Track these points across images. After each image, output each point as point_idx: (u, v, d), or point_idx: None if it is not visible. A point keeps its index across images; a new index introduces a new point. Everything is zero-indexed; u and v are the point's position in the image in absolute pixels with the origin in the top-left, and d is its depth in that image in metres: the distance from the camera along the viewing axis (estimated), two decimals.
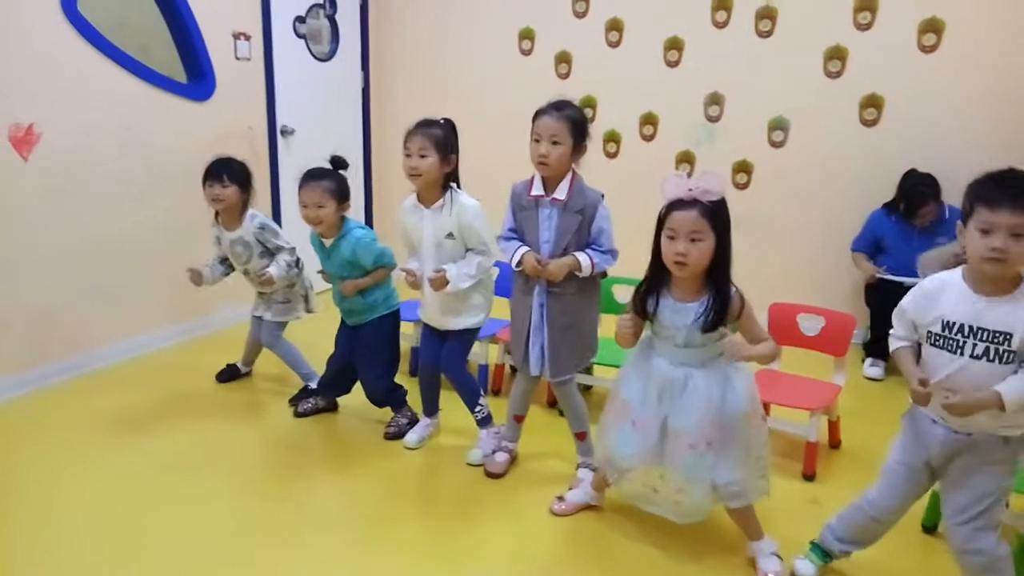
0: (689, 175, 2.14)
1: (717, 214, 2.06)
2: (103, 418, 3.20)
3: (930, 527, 2.48)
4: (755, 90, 4.46)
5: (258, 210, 3.45)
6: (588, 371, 3.27)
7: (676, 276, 2.13)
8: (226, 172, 3.31)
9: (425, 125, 2.74)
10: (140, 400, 3.41)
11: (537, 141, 2.51)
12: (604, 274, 2.69)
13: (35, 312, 3.51)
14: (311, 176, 2.98)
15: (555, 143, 2.48)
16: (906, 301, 1.96)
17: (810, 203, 4.47)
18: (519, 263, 2.60)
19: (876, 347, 3.95)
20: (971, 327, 1.80)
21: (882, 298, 3.74)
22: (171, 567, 2.21)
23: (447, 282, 2.71)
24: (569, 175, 2.55)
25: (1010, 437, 1.85)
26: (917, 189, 3.86)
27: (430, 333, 3.00)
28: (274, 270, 3.30)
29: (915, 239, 3.83)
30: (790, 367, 3.10)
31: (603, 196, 2.58)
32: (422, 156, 2.69)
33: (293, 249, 3.39)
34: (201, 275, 3.41)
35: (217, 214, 3.40)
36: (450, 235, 2.77)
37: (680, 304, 2.15)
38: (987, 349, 1.79)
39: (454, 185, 2.81)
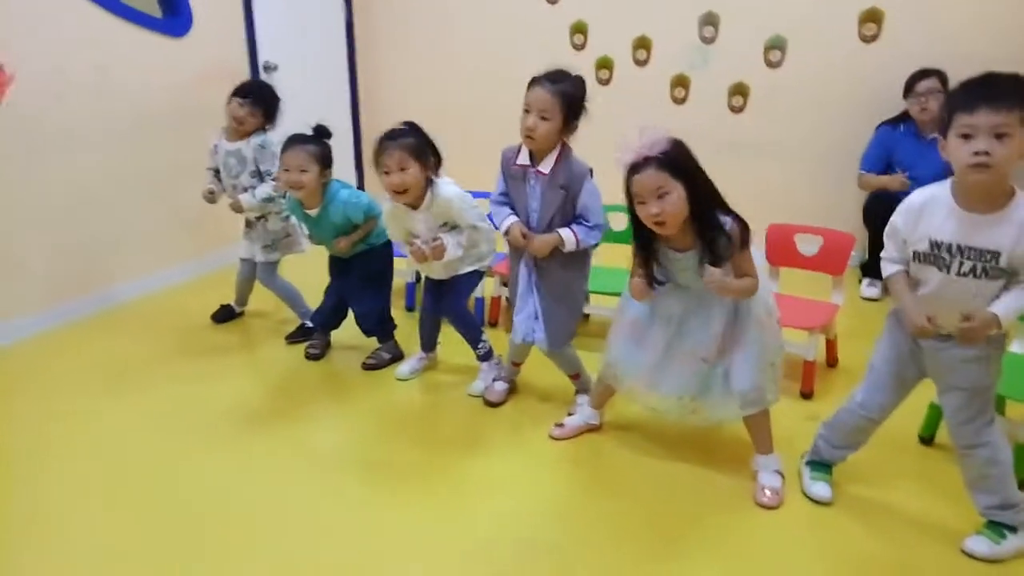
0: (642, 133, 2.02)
1: (675, 161, 2.00)
2: (105, 361, 3.20)
3: (927, 438, 2.50)
4: (750, 9, 4.33)
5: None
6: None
7: (664, 233, 2.08)
8: (253, 95, 3.29)
9: (394, 137, 2.61)
10: (140, 343, 3.40)
11: (527, 112, 2.40)
12: (595, 245, 2.61)
13: (42, 255, 3.52)
14: (295, 140, 2.92)
15: (544, 118, 2.37)
16: (896, 218, 1.92)
17: (808, 123, 4.39)
18: (506, 232, 2.55)
19: (874, 267, 3.93)
20: (959, 246, 1.77)
21: (881, 218, 3.66)
22: (171, 507, 2.21)
23: (445, 249, 2.68)
24: (557, 149, 2.44)
25: (991, 337, 1.84)
26: (917, 73, 3.77)
27: (432, 281, 2.97)
28: (246, 197, 3.28)
29: (927, 148, 3.73)
30: (788, 288, 3.08)
31: (591, 171, 2.48)
32: (402, 170, 2.59)
33: (277, 186, 3.33)
34: (213, 192, 3.39)
35: (229, 126, 3.35)
36: (444, 225, 2.74)
37: (678, 254, 2.13)
38: (974, 267, 1.77)
39: (434, 179, 2.70)
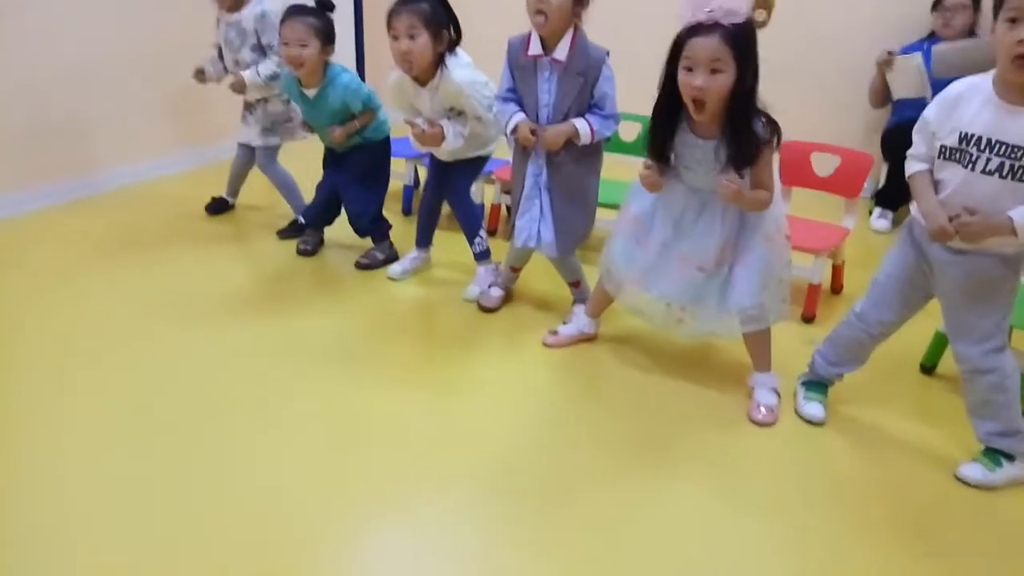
0: None
1: (741, 40, 1.83)
2: (93, 244, 3.12)
3: (929, 367, 2.44)
4: None
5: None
6: None
7: (696, 111, 1.93)
8: None
9: (407, 1, 2.44)
10: (131, 228, 3.32)
11: None
12: (607, 139, 2.48)
13: (31, 132, 3.39)
14: (295, 11, 2.75)
15: None
16: (929, 110, 1.80)
17: (832, 44, 4.20)
18: (513, 130, 2.40)
19: (887, 198, 3.81)
20: (989, 140, 1.65)
21: (900, 146, 3.55)
22: (154, 404, 2.14)
23: (443, 138, 2.57)
24: (570, 31, 2.28)
25: (1007, 255, 1.76)
26: None
27: (435, 164, 2.87)
28: (249, 74, 3.10)
29: None
30: (800, 209, 2.97)
31: (608, 54, 2.32)
32: (411, 37, 2.43)
33: (281, 62, 3.14)
34: (204, 72, 3.24)
35: None
36: (452, 109, 2.60)
37: (699, 140, 2.00)
38: (1001, 165, 1.65)
39: (447, 56, 2.55)
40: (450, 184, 2.85)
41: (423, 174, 3.31)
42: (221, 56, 3.27)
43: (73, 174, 3.61)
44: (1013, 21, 1.55)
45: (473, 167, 2.84)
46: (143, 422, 2.02)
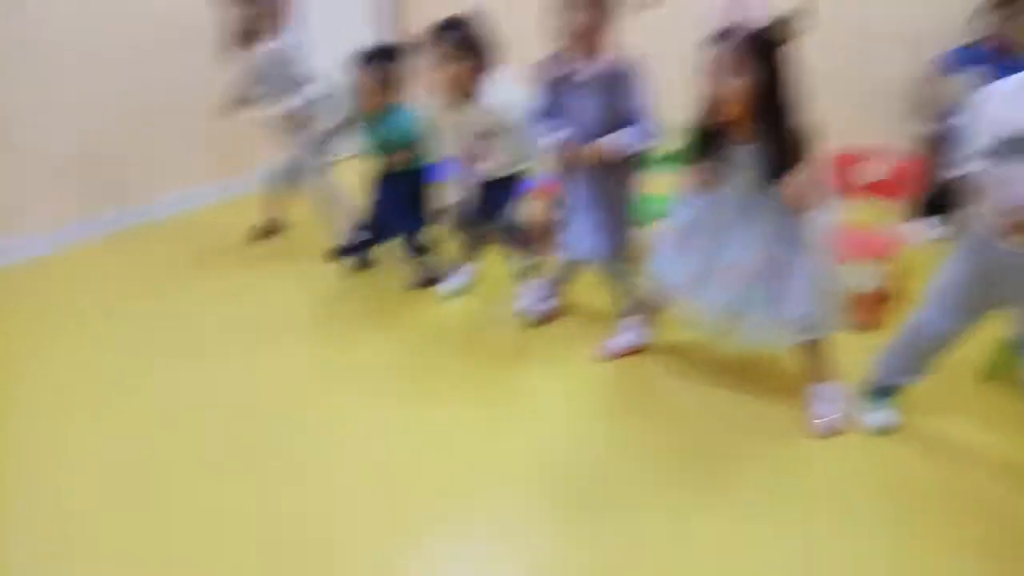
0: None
1: (764, 45, 1.84)
2: (146, 272, 3.18)
3: (995, 374, 2.36)
4: None
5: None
6: None
7: (726, 117, 1.93)
8: None
9: (446, 29, 2.52)
10: (181, 256, 3.37)
11: (562, 10, 2.26)
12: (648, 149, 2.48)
13: (78, 166, 3.47)
14: (365, 58, 2.84)
15: (578, 10, 2.22)
16: (986, 106, 1.73)
17: (878, 50, 4.13)
18: (551, 148, 2.42)
19: (936, 205, 3.70)
20: None
21: (948, 151, 3.46)
22: (213, 421, 2.18)
23: (491, 156, 2.66)
24: (602, 48, 2.29)
25: None
26: None
27: (480, 181, 2.89)
28: (294, 101, 3.16)
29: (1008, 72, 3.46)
30: (852, 217, 2.90)
31: (638, 67, 2.31)
32: (449, 64, 2.51)
33: (323, 82, 3.20)
34: (239, 101, 3.30)
35: (244, 31, 3.18)
36: (490, 128, 2.64)
37: (734, 145, 1.99)
38: None
39: (484, 79, 2.59)
40: (494, 202, 2.87)
41: (469, 192, 3.32)
42: (250, 90, 3.32)
43: (122, 204, 3.68)
44: None
45: (515, 183, 2.86)
46: (195, 443, 2.05)
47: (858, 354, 2.44)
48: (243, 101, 3.32)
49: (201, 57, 3.88)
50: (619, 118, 2.34)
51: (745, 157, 1.98)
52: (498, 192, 2.85)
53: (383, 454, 2.02)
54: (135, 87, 3.66)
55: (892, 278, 2.91)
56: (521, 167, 2.82)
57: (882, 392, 2.15)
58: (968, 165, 1.80)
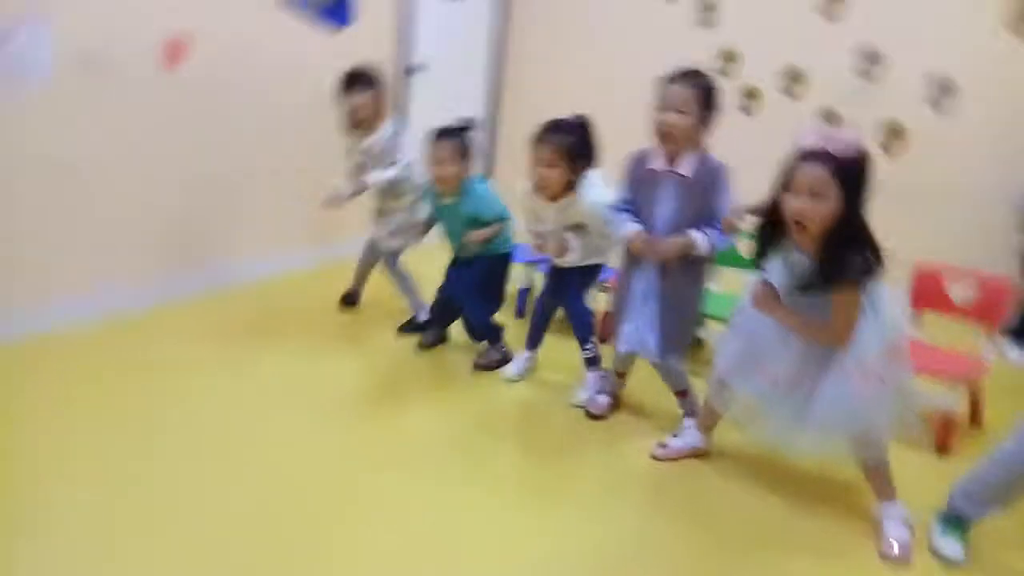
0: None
1: (849, 172, 1.85)
2: (223, 336, 3.26)
3: None
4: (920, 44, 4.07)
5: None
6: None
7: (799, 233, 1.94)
8: (360, 81, 3.30)
9: (554, 131, 2.63)
10: (257, 323, 3.47)
11: (661, 110, 2.33)
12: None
13: (167, 225, 3.64)
14: (441, 133, 2.98)
15: (681, 112, 2.30)
16: None
17: (975, 172, 4.05)
18: (626, 238, 2.46)
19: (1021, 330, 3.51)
20: None
21: None
22: (268, 487, 2.19)
23: (568, 250, 2.71)
24: (696, 148, 2.36)
25: None
26: None
27: (553, 271, 2.96)
28: (371, 177, 3.28)
29: None
30: (935, 336, 2.80)
31: (726, 168, 2.37)
32: (550, 166, 2.61)
33: (408, 164, 3.33)
34: (338, 195, 3.43)
35: (350, 122, 3.37)
36: (579, 225, 2.72)
37: (799, 255, 1.99)
38: None
39: (580, 180, 2.68)
40: (566, 289, 2.91)
41: (538, 278, 3.40)
42: (351, 177, 3.47)
43: (198, 267, 3.81)
44: None
45: (589, 274, 2.90)
46: (250, 517, 2.06)
47: (934, 479, 2.31)
48: (351, 194, 3.46)
49: (305, 127, 4.15)
50: (701, 217, 2.36)
51: (801, 263, 1.97)
52: (570, 280, 2.89)
53: (415, 536, 1.99)
54: (231, 152, 3.86)
55: (971, 403, 2.77)
56: (597, 260, 2.86)
57: (956, 521, 2.02)
58: None
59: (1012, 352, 3.55)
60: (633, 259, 2.50)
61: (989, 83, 3.95)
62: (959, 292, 2.76)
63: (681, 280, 2.44)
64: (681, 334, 2.51)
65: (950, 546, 1.97)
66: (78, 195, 3.20)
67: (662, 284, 2.45)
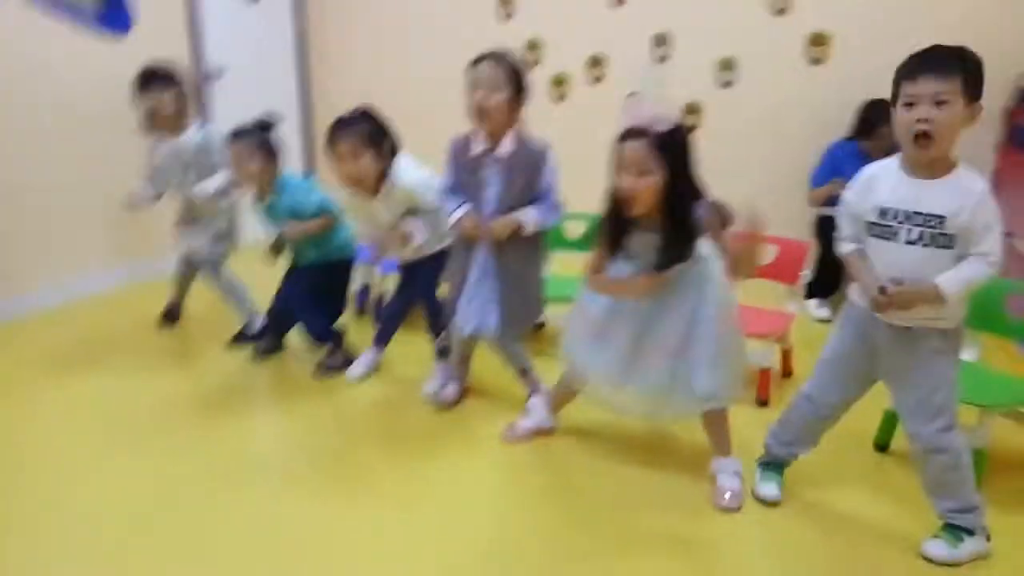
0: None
1: (668, 146, 1.97)
2: (31, 364, 3.00)
3: (883, 445, 2.49)
4: (704, 30, 4.40)
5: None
6: None
7: (633, 210, 2.04)
8: (159, 79, 3.10)
9: (347, 124, 2.60)
10: (71, 345, 3.21)
11: (474, 90, 2.36)
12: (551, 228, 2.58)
13: None
14: (238, 134, 2.87)
15: (493, 90, 2.33)
16: (848, 193, 1.96)
17: (761, 142, 4.44)
18: (456, 223, 2.48)
19: (821, 287, 3.93)
20: (905, 212, 1.80)
21: (830, 235, 3.70)
22: (101, 515, 2.06)
23: (413, 237, 2.70)
24: (513, 128, 2.41)
25: (947, 329, 1.86)
26: (876, 109, 3.81)
27: (404, 267, 2.94)
28: (199, 189, 3.13)
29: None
30: (742, 297, 3.05)
31: (549, 147, 2.44)
32: (355, 158, 2.58)
33: (228, 174, 3.17)
34: (138, 196, 3.25)
35: (149, 122, 3.15)
36: (411, 210, 2.72)
37: (645, 233, 2.09)
38: (921, 234, 1.79)
39: (390, 166, 2.67)
40: (420, 282, 2.90)
41: (378, 279, 3.43)
42: (152, 183, 3.28)
43: (8, 292, 3.50)
44: (909, 105, 1.74)
45: (439, 262, 2.88)
46: (66, 546, 1.90)
47: (757, 429, 2.53)
48: (153, 196, 3.27)
49: (101, 139, 3.83)
50: (526, 197, 2.42)
51: (649, 244, 2.08)
52: (422, 273, 2.88)
53: (271, 544, 1.94)
54: (32, 166, 3.54)
55: (781, 356, 3.06)
56: (440, 245, 2.84)
57: (772, 466, 2.23)
58: (842, 247, 1.97)
59: (814, 308, 3.95)
60: (466, 243, 2.52)
61: (763, 58, 4.34)
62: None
63: (515, 258, 2.48)
64: (521, 312, 2.55)
65: (768, 488, 2.17)
66: None
67: (497, 264, 2.48)
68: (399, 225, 2.71)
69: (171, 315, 3.56)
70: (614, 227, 2.12)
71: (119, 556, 1.88)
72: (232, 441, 2.48)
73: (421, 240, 2.71)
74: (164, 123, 3.13)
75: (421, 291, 2.91)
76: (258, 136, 2.87)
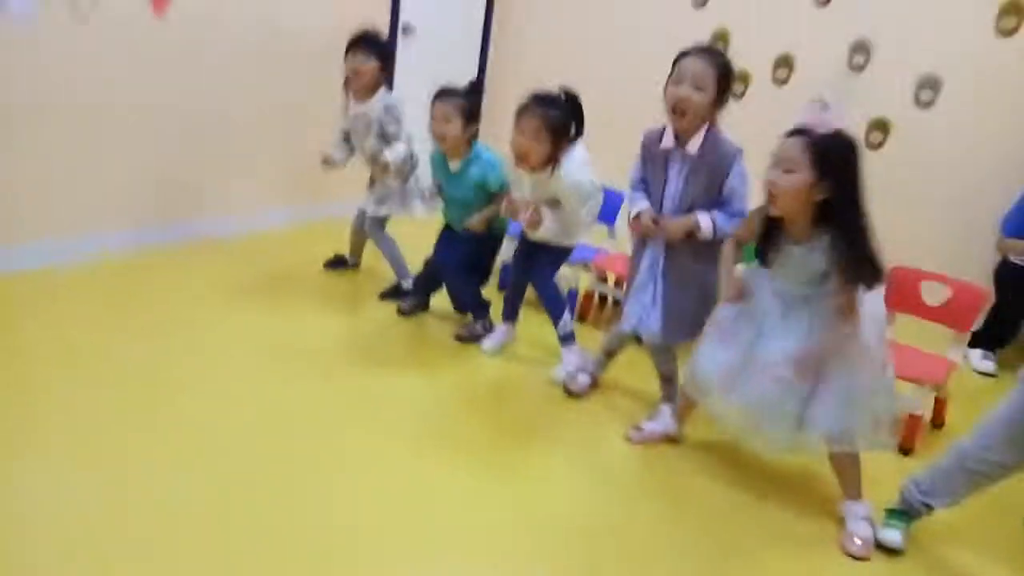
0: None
1: (823, 152, 1.89)
2: (204, 288, 3.26)
3: None
4: (909, 42, 4.10)
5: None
6: None
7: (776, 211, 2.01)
8: (368, 45, 3.25)
9: (541, 104, 2.61)
10: (242, 276, 3.46)
11: (678, 83, 2.28)
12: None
13: (151, 175, 3.60)
14: (444, 92, 2.96)
15: (699, 88, 2.25)
16: None
17: (950, 172, 4.12)
18: (635, 218, 2.44)
19: (990, 338, 3.60)
20: None
21: (1012, 287, 3.42)
22: (242, 442, 2.21)
23: (541, 223, 2.72)
24: (705, 127, 2.31)
25: None
26: None
27: (524, 244, 2.97)
28: (390, 154, 3.24)
29: None
30: (904, 337, 2.88)
31: (741, 152, 2.34)
32: (535, 140, 2.59)
33: (409, 143, 3.33)
34: (332, 158, 3.44)
35: (347, 83, 3.33)
36: (554, 201, 2.73)
37: (790, 244, 2.04)
38: None
39: (564, 156, 2.68)
40: (536, 268, 2.94)
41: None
42: (346, 140, 3.47)
43: (182, 218, 3.79)
44: None
45: (559, 255, 2.93)
46: (216, 461, 2.09)
47: (897, 477, 2.40)
48: (346, 157, 3.47)
49: (293, 84, 4.09)
50: (708, 198, 2.36)
51: (794, 255, 2.03)
52: (540, 258, 2.92)
53: (384, 492, 2.05)
54: (219, 103, 3.81)
55: (934, 404, 2.86)
56: (567, 243, 2.89)
57: (902, 514, 2.11)
58: None
59: (978, 359, 3.64)
60: (643, 239, 2.50)
61: (973, 82, 3.99)
62: (931, 296, 2.83)
63: (688, 262, 2.41)
64: (685, 320, 2.45)
65: (892, 534, 2.06)
66: (64, 139, 3.18)
67: (668, 264, 2.44)
68: (537, 205, 2.73)
69: (338, 262, 3.77)
70: (765, 228, 2.09)
71: (250, 479, 2.04)
72: (361, 385, 2.63)
73: (546, 230, 2.74)
74: (360, 86, 3.29)
75: (536, 276, 2.95)
76: (464, 98, 2.95)
